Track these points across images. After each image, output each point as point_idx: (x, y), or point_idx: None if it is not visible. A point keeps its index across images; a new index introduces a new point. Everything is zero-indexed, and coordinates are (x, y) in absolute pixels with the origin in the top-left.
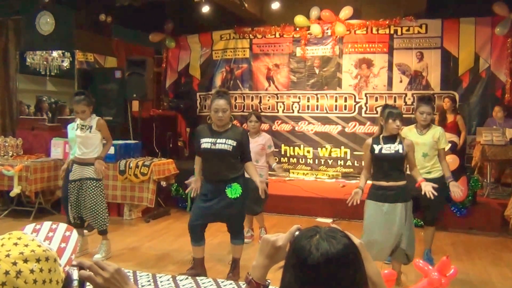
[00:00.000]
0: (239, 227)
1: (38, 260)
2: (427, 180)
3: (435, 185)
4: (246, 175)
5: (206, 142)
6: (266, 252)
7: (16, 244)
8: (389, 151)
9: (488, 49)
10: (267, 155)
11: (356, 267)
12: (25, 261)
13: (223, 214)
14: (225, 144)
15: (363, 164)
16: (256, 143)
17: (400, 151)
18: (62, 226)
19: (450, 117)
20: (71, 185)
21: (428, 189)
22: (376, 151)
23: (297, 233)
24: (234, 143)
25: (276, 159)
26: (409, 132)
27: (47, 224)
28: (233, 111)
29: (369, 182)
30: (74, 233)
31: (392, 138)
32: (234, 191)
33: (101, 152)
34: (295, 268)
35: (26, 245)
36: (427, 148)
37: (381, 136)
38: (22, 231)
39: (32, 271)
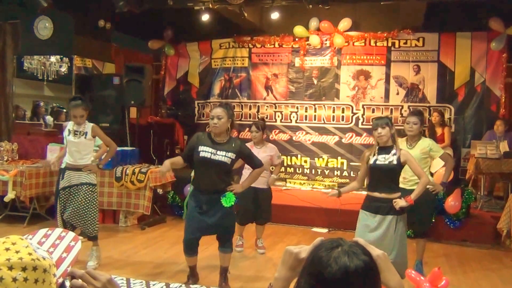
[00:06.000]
0: (231, 236)
1: (24, 269)
2: None
3: (405, 204)
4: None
5: (205, 151)
6: (289, 264)
7: (7, 249)
8: (383, 162)
9: (484, 64)
10: (276, 166)
11: (372, 286)
12: (10, 268)
13: (220, 225)
14: (225, 156)
15: (359, 174)
16: (265, 154)
17: (394, 162)
18: (70, 235)
19: (438, 131)
20: (64, 192)
21: (400, 204)
22: (371, 162)
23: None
24: (234, 156)
25: (272, 168)
26: (400, 145)
27: (57, 231)
28: None
29: (364, 192)
30: (78, 245)
31: (386, 149)
32: (228, 200)
33: (103, 160)
34: (311, 277)
35: (17, 252)
36: (417, 160)
37: (376, 147)
38: (23, 237)
39: (15, 279)
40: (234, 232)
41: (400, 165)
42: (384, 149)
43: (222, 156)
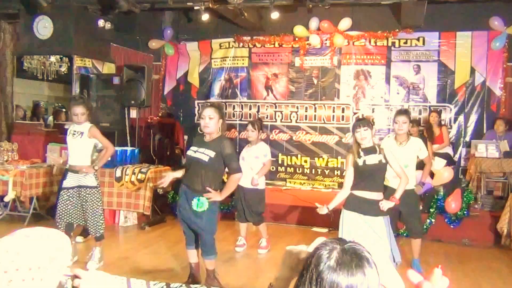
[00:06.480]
0: (209, 242)
1: (30, 269)
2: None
3: (391, 205)
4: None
5: (191, 149)
6: (290, 263)
7: (7, 251)
8: (374, 162)
9: (484, 63)
10: (264, 164)
11: (372, 286)
12: (17, 269)
13: (193, 223)
14: (203, 154)
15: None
16: (251, 152)
17: (383, 161)
18: (56, 232)
19: (436, 131)
20: (65, 192)
21: (387, 206)
22: (361, 164)
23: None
24: (213, 154)
25: (272, 168)
26: (389, 143)
27: (40, 230)
28: (231, 119)
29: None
30: (68, 241)
31: (370, 150)
32: (200, 204)
33: (99, 161)
34: (311, 277)
35: (17, 253)
36: (407, 159)
37: (360, 149)
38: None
39: (23, 280)
40: (211, 237)
41: (387, 163)
42: (368, 150)
43: (201, 153)
